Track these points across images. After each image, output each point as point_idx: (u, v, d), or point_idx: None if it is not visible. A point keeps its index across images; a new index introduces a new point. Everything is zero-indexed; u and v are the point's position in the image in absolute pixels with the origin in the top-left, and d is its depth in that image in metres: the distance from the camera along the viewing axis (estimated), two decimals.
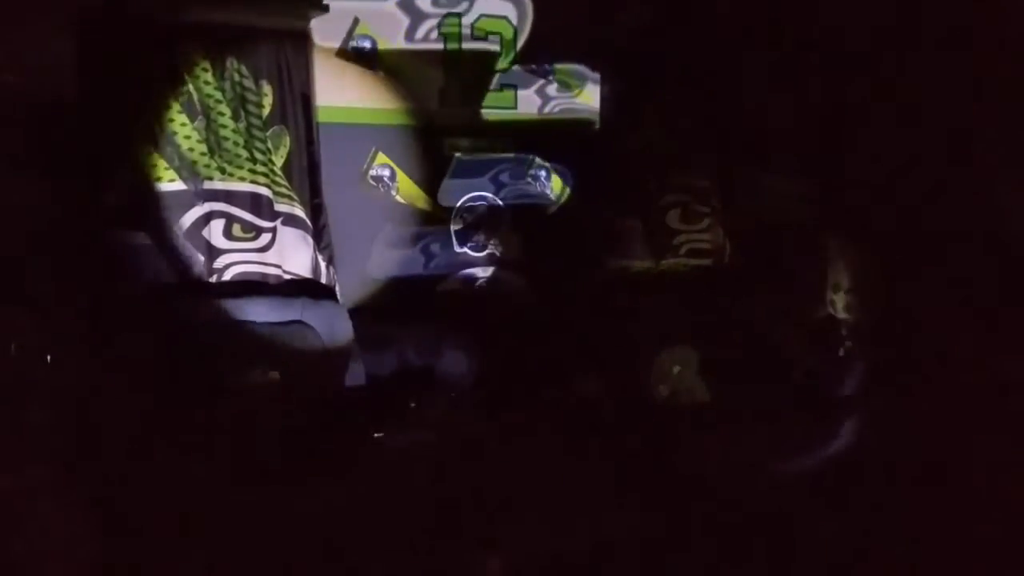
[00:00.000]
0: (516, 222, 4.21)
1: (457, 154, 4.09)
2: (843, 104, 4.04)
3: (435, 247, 4.12)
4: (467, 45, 4.06)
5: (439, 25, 4.01)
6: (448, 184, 4.10)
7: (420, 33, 4.00)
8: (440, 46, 4.04)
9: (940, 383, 3.55)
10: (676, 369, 4.19)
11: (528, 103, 4.20)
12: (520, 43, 4.15)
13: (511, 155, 4.17)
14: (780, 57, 4.12)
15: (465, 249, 4.15)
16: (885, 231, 3.94)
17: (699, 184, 4.38)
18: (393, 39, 3.97)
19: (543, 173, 4.21)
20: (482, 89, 4.15)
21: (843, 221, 4.17)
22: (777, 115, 4.18)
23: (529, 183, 4.22)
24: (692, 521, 3.10)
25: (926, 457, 3.31)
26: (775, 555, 2.88)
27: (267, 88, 3.73)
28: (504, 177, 4.17)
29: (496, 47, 4.12)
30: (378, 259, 4.05)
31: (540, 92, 4.23)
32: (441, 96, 4.10)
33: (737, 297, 4.19)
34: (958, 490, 3.13)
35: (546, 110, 4.26)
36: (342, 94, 3.93)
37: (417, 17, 3.98)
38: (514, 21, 4.13)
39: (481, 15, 4.06)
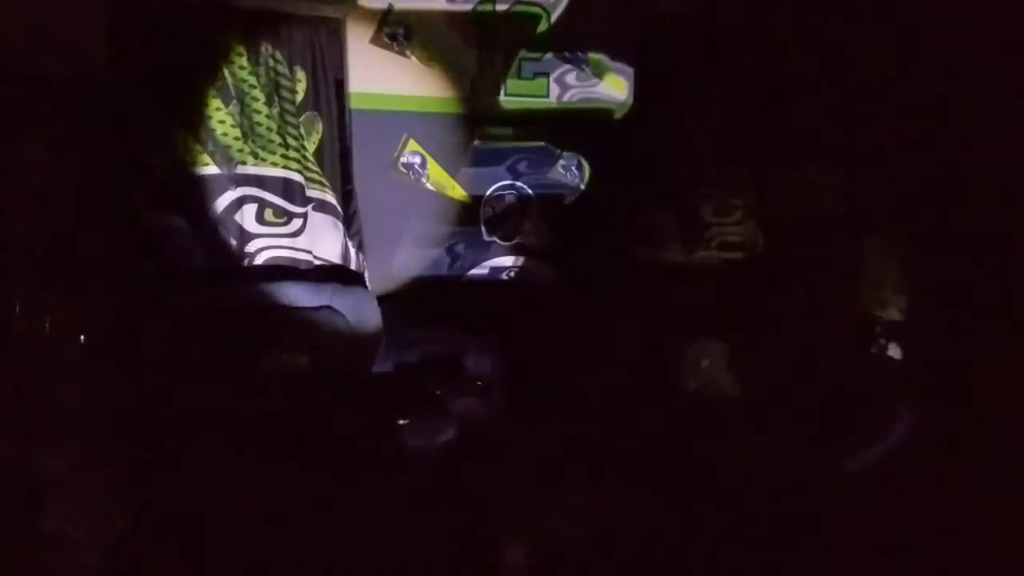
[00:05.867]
0: (545, 212, 4.16)
1: (477, 142, 4.05)
2: (885, 93, 3.93)
3: (460, 247, 4.10)
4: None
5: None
6: (470, 172, 4.07)
7: None
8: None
9: (985, 386, 3.44)
10: (705, 363, 4.14)
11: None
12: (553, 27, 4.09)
13: (541, 143, 4.12)
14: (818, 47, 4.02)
15: (493, 239, 4.12)
16: (928, 226, 3.83)
17: (732, 176, 4.32)
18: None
19: (575, 163, 4.17)
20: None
21: (883, 215, 4.06)
22: (814, 106, 4.08)
23: (560, 173, 4.17)
24: (712, 517, 3.07)
25: (967, 463, 3.22)
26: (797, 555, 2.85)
27: (301, 74, 3.76)
28: (529, 166, 4.12)
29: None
30: (404, 257, 4.03)
31: (559, 80, 4.16)
32: (473, 83, 4.07)
33: (768, 291, 4.12)
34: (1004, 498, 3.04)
35: (565, 98, 4.18)
36: (375, 81, 3.92)
37: None
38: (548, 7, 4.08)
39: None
